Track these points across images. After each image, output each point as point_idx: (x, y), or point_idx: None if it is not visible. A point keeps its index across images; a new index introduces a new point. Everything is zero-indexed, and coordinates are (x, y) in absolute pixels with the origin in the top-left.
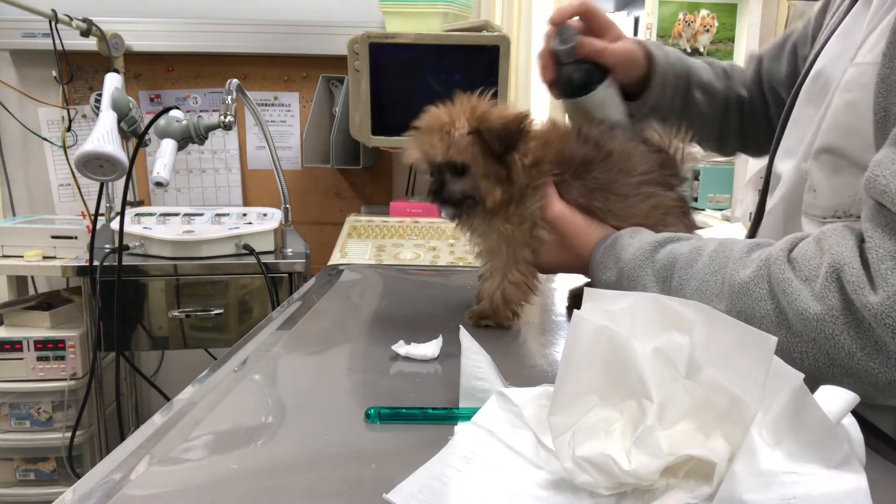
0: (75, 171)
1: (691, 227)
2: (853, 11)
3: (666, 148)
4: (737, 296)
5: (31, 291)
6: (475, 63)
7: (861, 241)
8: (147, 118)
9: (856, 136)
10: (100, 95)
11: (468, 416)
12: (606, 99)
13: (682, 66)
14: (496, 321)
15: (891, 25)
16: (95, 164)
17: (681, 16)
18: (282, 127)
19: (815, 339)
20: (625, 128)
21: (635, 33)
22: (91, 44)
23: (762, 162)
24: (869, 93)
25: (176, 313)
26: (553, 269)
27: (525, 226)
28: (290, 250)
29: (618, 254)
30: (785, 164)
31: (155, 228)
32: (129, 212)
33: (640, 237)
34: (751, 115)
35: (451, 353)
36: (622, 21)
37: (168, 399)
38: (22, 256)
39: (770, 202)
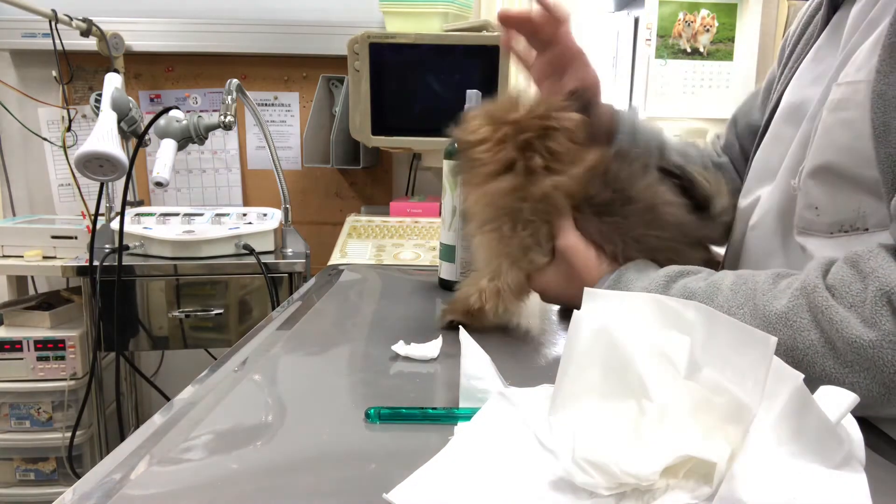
0: (75, 171)
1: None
2: (822, 38)
3: (709, 200)
4: (773, 327)
5: (31, 291)
6: (475, 63)
7: None
8: (147, 118)
9: (854, 153)
10: (100, 95)
11: (468, 416)
12: None
13: (656, 131)
14: (458, 320)
15: (881, 42)
16: (95, 164)
17: (681, 16)
18: (282, 127)
19: (870, 369)
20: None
21: (635, 33)
22: (91, 44)
23: None
24: (865, 110)
25: (176, 313)
26: (554, 300)
27: (524, 240)
28: (290, 250)
29: (623, 289)
30: (763, 182)
31: (155, 228)
32: (129, 212)
33: (648, 271)
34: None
35: (451, 353)
36: (622, 21)
37: (168, 399)
38: (22, 256)
39: (751, 219)
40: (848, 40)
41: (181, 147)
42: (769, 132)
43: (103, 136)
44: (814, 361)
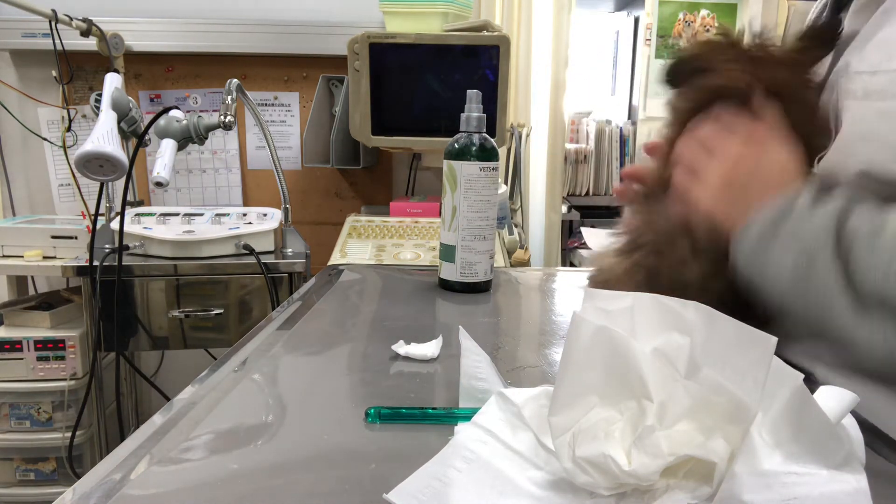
0: (75, 171)
1: None
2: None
3: None
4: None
5: (31, 291)
6: (475, 63)
7: None
8: (147, 118)
9: (888, 146)
10: (100, 95)
11: (468, 416)
12: None
13: None
14: None
15: None
16: (95, 164)
17: (681, 16)
18: (282, 127)
19: None
20: None
21: (635, 33)
22: (91, 44)
23: None
24: None
25: (176, 313)
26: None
27: None
28: (290, 250)
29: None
30: None
31: (155, 228)
32: (129, 212)
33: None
34: None
35: (451, 353)
36: (622, 21)
37: (168, 399)
38: (22, 256)
39: None
40: (855, 29)
41: (181, 147)
42: None
43: (103, 136)
44: None
